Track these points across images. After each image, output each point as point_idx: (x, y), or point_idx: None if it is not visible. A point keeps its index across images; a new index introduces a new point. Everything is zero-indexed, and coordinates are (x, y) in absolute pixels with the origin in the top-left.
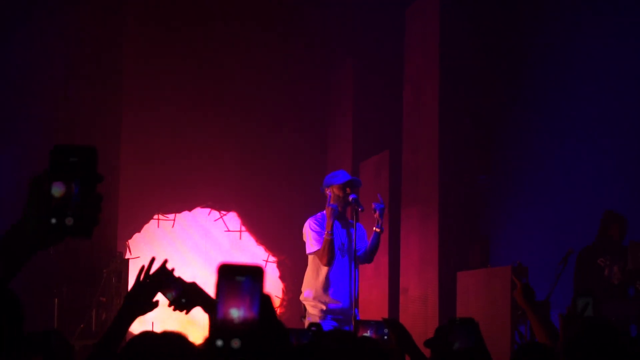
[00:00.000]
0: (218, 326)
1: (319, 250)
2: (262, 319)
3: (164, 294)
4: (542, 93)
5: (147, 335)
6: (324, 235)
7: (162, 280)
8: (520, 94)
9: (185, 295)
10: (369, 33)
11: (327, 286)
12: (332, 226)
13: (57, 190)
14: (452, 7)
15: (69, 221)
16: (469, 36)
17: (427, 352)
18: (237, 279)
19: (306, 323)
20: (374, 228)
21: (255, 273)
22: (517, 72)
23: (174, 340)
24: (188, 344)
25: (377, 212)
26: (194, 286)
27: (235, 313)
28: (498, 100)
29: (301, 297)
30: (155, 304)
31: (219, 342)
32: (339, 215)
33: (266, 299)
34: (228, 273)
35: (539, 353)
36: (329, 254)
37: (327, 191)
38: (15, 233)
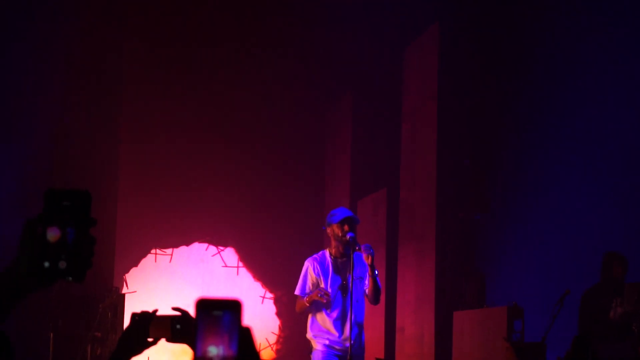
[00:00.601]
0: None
1: (297, 297)
2: (241, 354)
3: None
4: (540, 132)
5: None
6: (305, 298)
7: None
8: (518, 134)
9: (180, 322)
10: (368, 71)
11: (328, 323)
12: (312, 300)
13: (52, 235)
14: (451, 47)
15: (62, 264)
16: (467, 75)
17: None
18: (215, 313)
19: (313, 355)
20: (369, 274)
21: (233, 307)
22: (514, 112)
23: None
24: None
25: (370, 258)
26: (186, 315)
27: (214, 349)
28: (495, 138)
29: (307, 335)
30: (151, 343)
31: None
32: (339, 255)
33: (245, 333)
34: (206, 308)
35: None
36: (298, 309)
37: (328, 230)
38: (7, 275)
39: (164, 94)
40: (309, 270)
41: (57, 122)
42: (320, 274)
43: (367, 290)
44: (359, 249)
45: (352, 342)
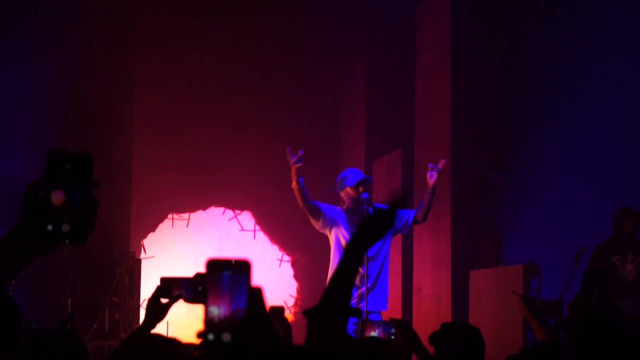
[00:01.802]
0: (209, 320)
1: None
2: (251, 312)
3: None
4: (555, 89)
5: (139, 340)
6: (293, 184)
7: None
8: (533, 91)
9: (200, 283)
10: (380, 31)
11: None
12: (296, 178)
13: (57, 198)
14: (463, 4)
15: (66, 227)
16: (479, 33)
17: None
18: (225, 273)
19: None
20: (429, 192)
21: (242, 267)
22: (528, 68)
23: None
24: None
25: (436, 176)
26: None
27: (215, 309)
28: (510, 96)
29: None
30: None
31: (210, 336)
32: (353, 212)
33: (255, 292)
34: (216, 268)
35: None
36: (298, 199)
37: (341, 193)
38: (11, 239)
39: (177, 58)
40: (333, 209)
41: (70, 87)
42: (339, 223)
43: (418, 210)
44: (374, 209)
45: (367, 299)
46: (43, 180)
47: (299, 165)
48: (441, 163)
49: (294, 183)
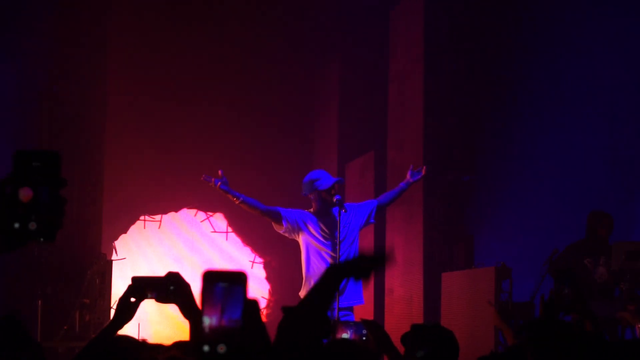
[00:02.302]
0: (204, 332)
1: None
2: (246, 324)
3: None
4: (528, 92)
5: (105, 340)
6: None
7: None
8: (506, 94)
9: (172, 283)
10: (354, 33)
11: (315, 281)
12: (232, 194)
13: (25, 195)
14: (436, 7)
15: (32, 226)
16: (452, 36)
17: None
18: (221, 285)
19: None
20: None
21: (238, 279)
22: (501, 70)
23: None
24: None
25: (412, 179)
26: (179, 277)
27: (207, 319)
28: (483, 100)
29: (300, 293)
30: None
31: (206, 348)
32: (324, 214)
33: (251, 304)
34: (212, 279)
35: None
36: (251, 212)
37: (310, 196)
38: None
39: (152, 61)
40: (299, 212)
41: (43, 88)
42: (309, 226)
43: (387, 198)
44: (346, 211)
45: (338, 302)
46: (10, 178)
47: (219, 184)
48: (423, 170)
49: (234, 201)
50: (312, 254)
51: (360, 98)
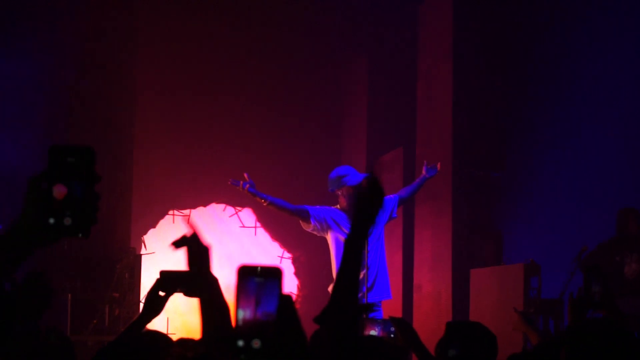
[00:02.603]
0: (238, 325)
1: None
2: (281, 320)
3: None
4: (557, 89)
5: (134, 335)
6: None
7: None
8: (535, 90)
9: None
10: (383, 30)
11: None
12: (254, 197)
13: (58, 191)
14: (464, 4)
15: (67, 221)
16: (481, 32)
17: (434, 350)
18: (256, 280)
19: None
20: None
21: (273, 274)
22: (531, 68)
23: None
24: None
25: (427, 175)
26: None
27: (241, 312)
28: (512, 96)
29: (329, 289)
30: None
31: (240, 342)
32: (352, 209)
33: (286, 300)
34: (247, 274)
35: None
36: (280, 212)
37: (338, 192)
38: (13, 231)
39: (180, 57)
40: (327, 210)
41: (72, 83)
42: (338, 223)
43: (408, 191)
44: None
45: (366, 298)
46: (45, 174)
47: (247, 187)
48: (438, 165)
49: (262, 203)
50: (342, 251)
51: (389, 94)
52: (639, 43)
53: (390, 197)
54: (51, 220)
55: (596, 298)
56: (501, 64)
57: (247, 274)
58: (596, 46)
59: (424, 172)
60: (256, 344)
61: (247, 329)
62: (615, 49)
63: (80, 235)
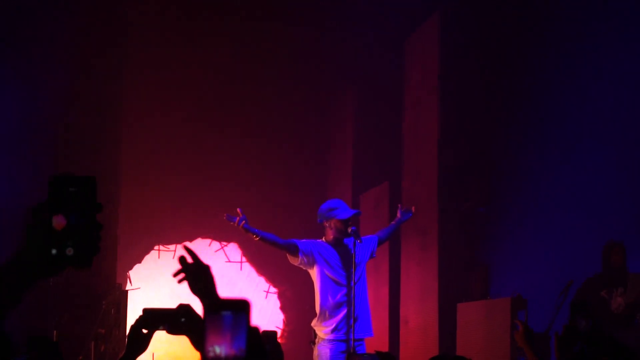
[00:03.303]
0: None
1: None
2: (250, 352)
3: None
4: (543, 123)
5: None
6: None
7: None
8: (521, 124)
9: (183, 315)
10: (369, 63)
11: (330, 312)
12: (252, 232)
13: (58, 222)
14: (451, 37)
15: (70, 251)
16: (468, 65)
17: None
18: (223, 313)
19: (314, 348)
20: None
21: (240, 307)
22: (517, 101)
23: None
24: None
25: (403, 218)
26: (188, 307)
27: (217, 348)
28: (498, 129)
29: (312, 324)
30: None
31: None
32: (337, 243)
33: (254, 332)
34: (214, 308)
35: None
36: (271, 246)
37: (326, 224)
38: (14, 263)
39: (166, 92)
40: (314, 243)
41: (58, 119)
42: (324, 257)
43: (385, 235)
44: (361, 242)
45: (353, 332)
46: (46, 204)
47: (244, 222)
48: (413, 208)
49: (254, 238)
50: (327, 285)
51: (375, 128)
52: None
53: (370, 237)
54: (53, 251)
55: (582, 331)
56: (487, 98)
57: (216, 309)
58: (589, 77)
59: (398, 215)
60: None
61: None
62: (608, 79)
63: (82, 265)
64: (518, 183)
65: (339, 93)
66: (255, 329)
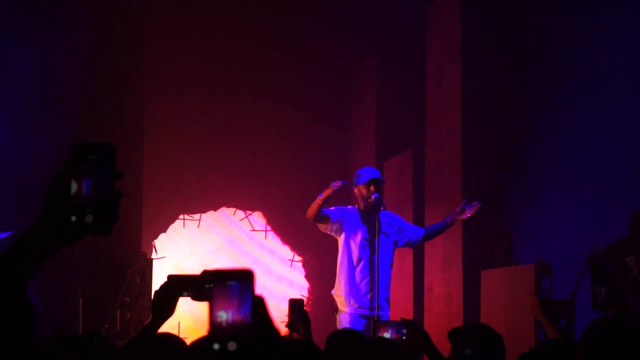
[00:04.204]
0: (215, 330)
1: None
2: (255, 322)
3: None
4: (567, 88)
5: (145, 337)
6: (320, 196)
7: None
8: (544, 90)
9: (208, 281)
10: (392, 32)
11: (353, 282)
12: (326, 198)
13: (77, 188)
14: (473, 4)
15: (89, 219)
16: (490, 33)
17: (445, 351)
18: (228, 283)
19: (337, 318)
20: (451, 220)
21: (244, 276)
22: (540, 67)
23: (168, 341)
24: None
25: (464, 216)
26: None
27: (224, 314)
28: (521, 96)
29: (332, 292)
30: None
31: (216, 346)
32: (366, 212)
33: (258, 301)
34: (219, 278)
35: (561, 348)
36: (310, 211)
37: (355, 190)
38: (35, 230)
39: (189, 57)
40: (343, 209)
41: (82, 87)
42: (350, 224)
43: (432, 231)
44: (384, 208)
45: (378, 301)
46: (67, 171)
47: (337, 191)
48: (476, 206)
49: (322, 197)
50: (348, 253)
51: (398, 97)
52: None
53: (416, 229)
54: (73, 218)
55: (599, 299)
56: (510, 64)
57: (221, 278)
58: (609, 43)
59: (457, 213)
60: (232, 346)
61: (223, 332)
62: (632, 43)
63: (102, 233)
64: (543, 148)
65: (362, 61)
66: (260, 299)
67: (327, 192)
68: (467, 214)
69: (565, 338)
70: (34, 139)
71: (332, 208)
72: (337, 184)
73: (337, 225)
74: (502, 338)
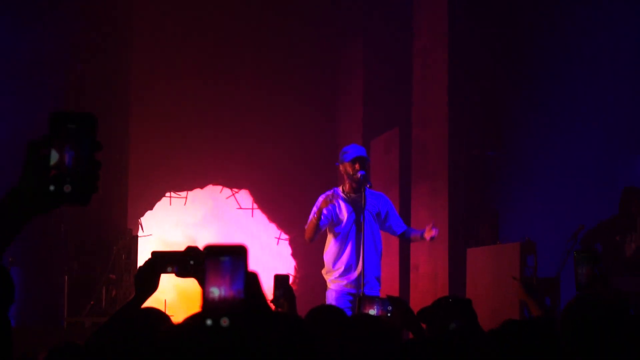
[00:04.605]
0: (207, 305)
1: (307, 225)
2: (248, 297)
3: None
4: (554, 68)
5: (128, 312)
6: (312, 216)
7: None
8: (531, 69)
9: (192, 257)
10: (378, 11)
11: (339, 260)
12: (321, 213)
13: (56, 157)
14: None
15: (67, 188)
16: (477, 11)
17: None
18: (221, 258)
19: (327, 295)
20: (420, 236)
21: (238, 252)
22: (528, 46)
23: (152, 316)
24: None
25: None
26: (196, 249)
27: (217, 290)
28: (508, 75)
29: (322, 271)
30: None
31: (209, 322)
32: (351, 190)
33: (252, 277)
34: (213, 253)
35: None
36: (308, 233)
37: (341, 168)
38: (12, 197)
39: (176, 36)
40: (326, 197)
41: (67, 63)
42: (335, 209)
43: (406, 234)
44: (370, 186)
45: (364, 279)
46: (46, 140)
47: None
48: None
49: (315, 218)
50: (335, 232)
51: (384, 75)
52: None
53: (400, 223)
54: (51, 187)
55: (581, 280)
56: (497, 43)
57: (215, 254)
58: (601, 22)
59: (425, 232)
60: (224, 322)
61: (215, 308)
62: (621, 23)
63: (79, 203)
64: (528, 127)
65: (348, 39)
66: (253, 275)
67: (322, 208)
68: (434, 233)
69: (545, 314)
70: (19, 110)
71: (324, 212)
72: (324, 203)
73: (330, 222)
74: (470, 302)
